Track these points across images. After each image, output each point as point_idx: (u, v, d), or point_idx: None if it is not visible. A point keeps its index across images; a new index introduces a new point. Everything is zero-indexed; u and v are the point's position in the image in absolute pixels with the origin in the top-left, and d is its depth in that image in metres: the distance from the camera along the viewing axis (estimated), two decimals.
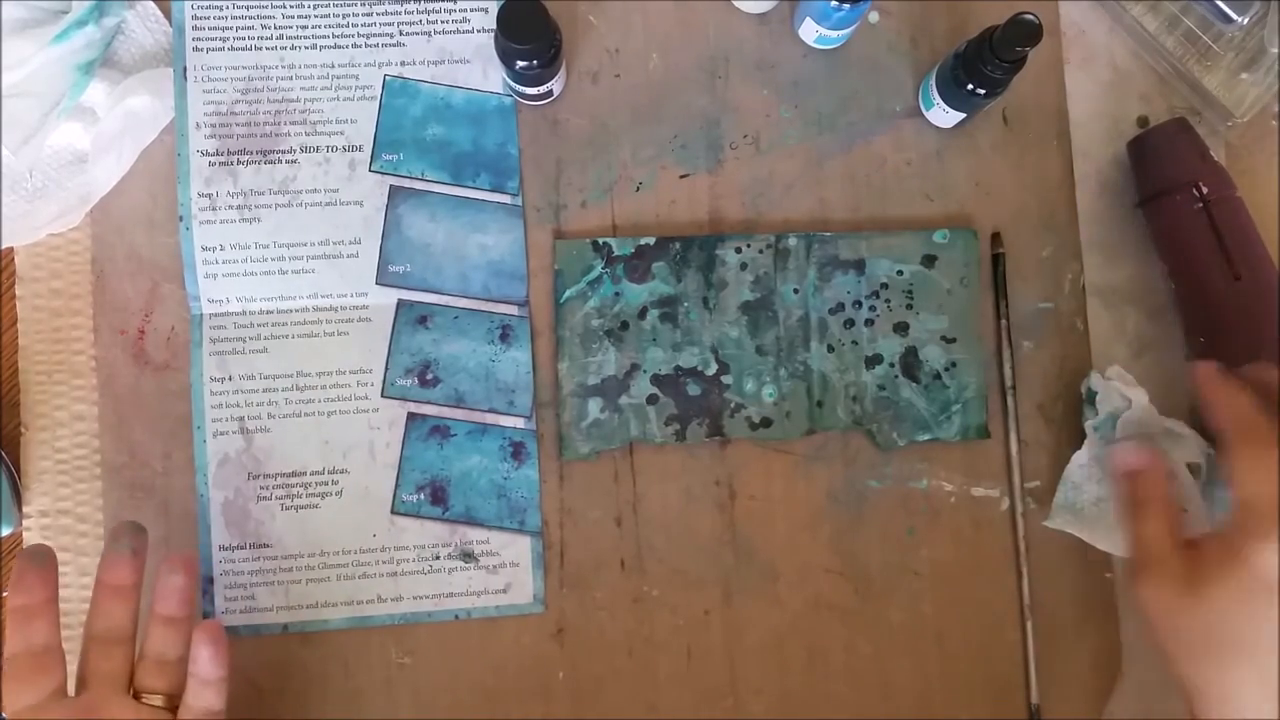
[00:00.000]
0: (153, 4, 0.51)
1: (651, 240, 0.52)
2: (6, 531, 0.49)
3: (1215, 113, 0.54)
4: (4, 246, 0.50)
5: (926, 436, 0.52)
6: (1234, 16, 0.53)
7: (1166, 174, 0.51)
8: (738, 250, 0.52)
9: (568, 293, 0.51)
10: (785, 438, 0.51)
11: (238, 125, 0.51)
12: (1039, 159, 0.54)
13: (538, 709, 0.50)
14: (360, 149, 0.52)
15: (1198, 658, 0.40)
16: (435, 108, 0.52)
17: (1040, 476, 0.53)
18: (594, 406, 0.51)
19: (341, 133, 0.52)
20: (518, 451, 0.51)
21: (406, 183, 0.52)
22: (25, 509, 0.50)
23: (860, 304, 0.52)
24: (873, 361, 0.52)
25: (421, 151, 0.52)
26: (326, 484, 0.50)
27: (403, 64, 0.52)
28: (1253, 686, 0.39)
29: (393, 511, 0.51)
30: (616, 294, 0.51)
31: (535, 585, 0.51)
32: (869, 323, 0.52)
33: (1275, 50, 0.52)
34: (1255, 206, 0.51)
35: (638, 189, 0.53)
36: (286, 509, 0.50)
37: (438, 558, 0.50)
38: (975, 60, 0.48)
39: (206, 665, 0.42)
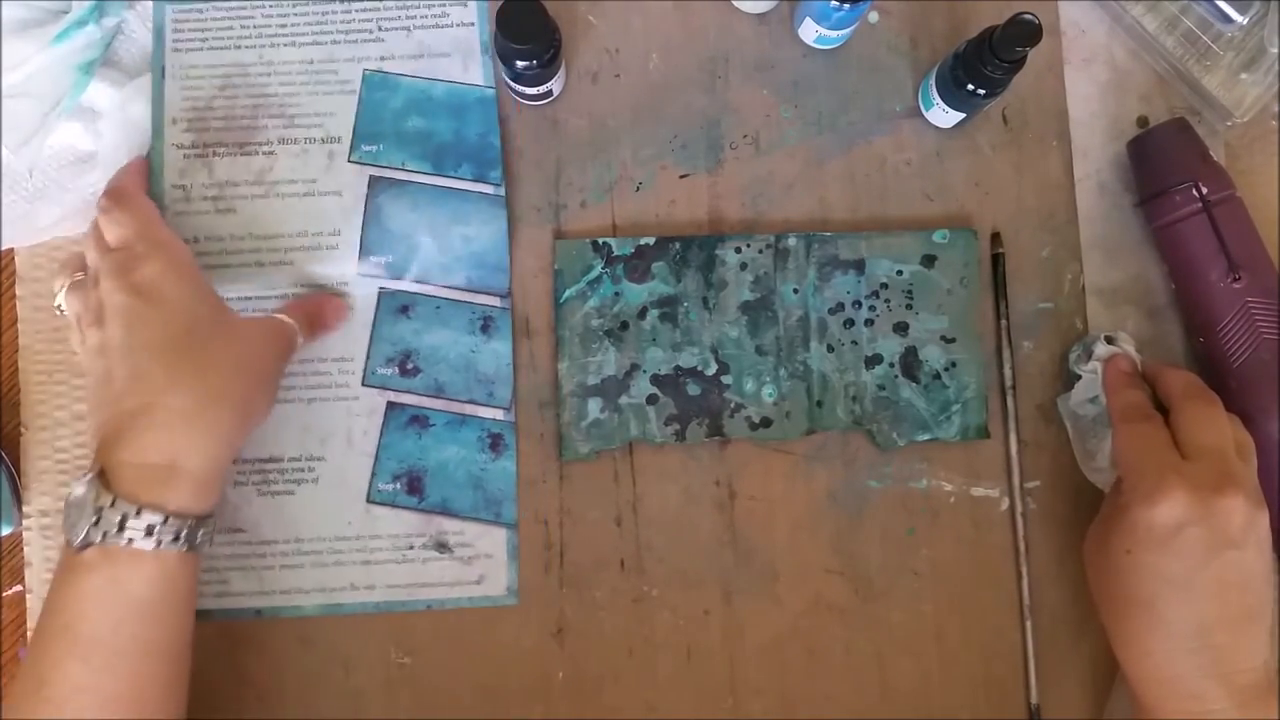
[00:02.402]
0: (152, 4, 0.51)
1: (651, 240, 0.52)
2: (6, 531, 0.49)
3: (1215, 113, 0.54)
4: (4, 247, 0.50)
5: (926, 436, 0.52)
6: (1234, 16, 0.53)
7: (1166, 174, 0.50)
8: (737, 250, 0.52)
9: (567, 293, 0.51)
10: (785, 438, 0.51)
11: (214, 119, 0.51)
12: (1039, 159, 0.54)
13: (537, 709, 0.50)
14: (339, 140, 0.51)
15: (1107, 605, 0.46)
16: (415, 100, 0.52)
17: (1040, 476, 0.53)
18: (594, 406, 0.51)
19: (320, 125, 0.52)
20: (496, 443, 0.51)
21: (387, 173, 0.52)
22: (25, 509, 0.50)
23: (860, 304, 0.52)
24: (872, 361, 0.52)
25: (402, 142, 0.52)
26: (303, 470, 0.50)
27: (382, 59, 0.52)
28: (1152, 636, 0.44)
29: (368, 500, 0.50)
30: (616, 294, 0.51)
31: (510, 577, 0.50)
32: (869, 323, 0.52)
33: (1275, 50, 0.52)
34: (1255, 206, 0.51)
35: (638, 189, 0.53)
36: (262, 494, 0.50)
37: (412, 547, 0.50)
38: (975, 60, 0.48)
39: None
